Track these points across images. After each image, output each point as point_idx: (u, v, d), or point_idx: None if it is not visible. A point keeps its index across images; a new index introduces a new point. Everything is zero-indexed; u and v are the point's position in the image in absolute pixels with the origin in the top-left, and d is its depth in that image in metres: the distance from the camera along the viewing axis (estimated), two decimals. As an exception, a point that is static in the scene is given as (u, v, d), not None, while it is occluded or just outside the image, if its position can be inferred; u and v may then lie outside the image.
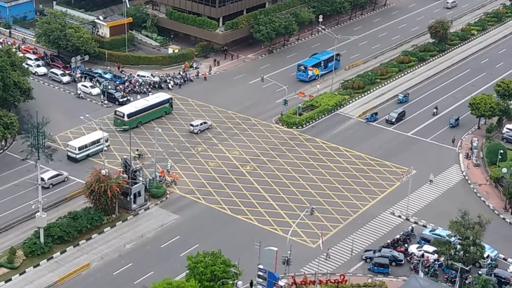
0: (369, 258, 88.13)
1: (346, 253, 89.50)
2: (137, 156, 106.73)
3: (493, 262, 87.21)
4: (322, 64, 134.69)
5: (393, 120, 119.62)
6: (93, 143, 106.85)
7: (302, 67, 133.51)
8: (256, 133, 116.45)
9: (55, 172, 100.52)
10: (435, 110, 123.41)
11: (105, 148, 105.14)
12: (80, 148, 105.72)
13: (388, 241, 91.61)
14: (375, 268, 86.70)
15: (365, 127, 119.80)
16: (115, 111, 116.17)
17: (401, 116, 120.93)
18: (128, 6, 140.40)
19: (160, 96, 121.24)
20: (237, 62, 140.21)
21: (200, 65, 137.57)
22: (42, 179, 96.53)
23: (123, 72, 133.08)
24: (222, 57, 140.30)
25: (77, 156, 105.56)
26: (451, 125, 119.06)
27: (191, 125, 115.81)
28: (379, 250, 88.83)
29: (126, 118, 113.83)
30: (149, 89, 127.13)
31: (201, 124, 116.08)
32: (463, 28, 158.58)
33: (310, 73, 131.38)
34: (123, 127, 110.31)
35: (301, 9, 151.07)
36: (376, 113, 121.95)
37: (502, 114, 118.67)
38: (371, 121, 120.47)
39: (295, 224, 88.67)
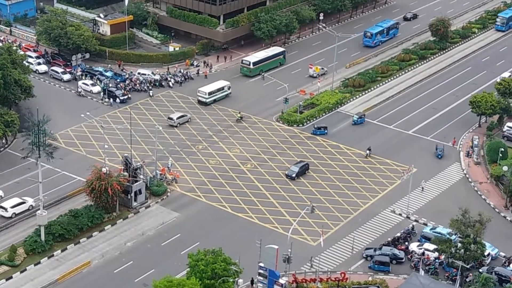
0: (370, 256, 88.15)
1: (347, 251, 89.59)
2: (239, 118, 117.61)
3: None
4: (385, 32, 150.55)
5: (293, 175, 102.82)
6: (219, 89, 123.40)
7: (368, 34, 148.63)
8: (257, 131, 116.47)
9: (181, 114, 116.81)
10: (368, 151, 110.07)
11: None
12: (209, 93, 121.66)
13: (389, 239, 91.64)
14: (376, 266, 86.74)
15: (365, 125, 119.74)
16: (242, 60, 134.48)
17: (303, 170, 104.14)
18: (128, 4, 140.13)
19: (276, 49, 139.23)
20: (237, 61, 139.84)
21: (201, 63, 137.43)
22: (171, 118, 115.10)
23: (123, 70, 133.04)
24: (215, 59, 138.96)
25: (207, 100, 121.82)
26: (439, 156, 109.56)
27: (310, 69, 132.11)
28: (380, 248, 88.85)
29: (251, 66, 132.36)
30: (150, 87, 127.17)
31: (321, 69, 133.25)
32: (464, 26, 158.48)
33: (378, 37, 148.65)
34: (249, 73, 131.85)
35: (301, 7, 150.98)
36: (325, 127, 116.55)
37: (503, 112, 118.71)
38: (318, 134, 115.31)
39: (296, 222, 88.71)
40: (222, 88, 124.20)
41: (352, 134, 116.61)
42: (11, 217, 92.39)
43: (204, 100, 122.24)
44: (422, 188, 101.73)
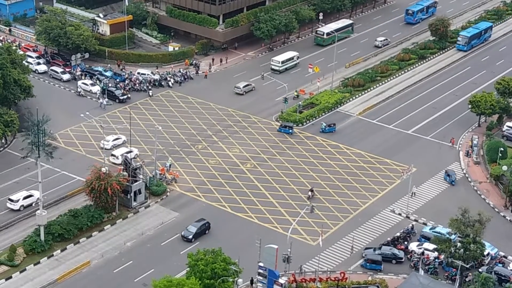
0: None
1: (347, 251, 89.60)
2: (296, 96, 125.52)
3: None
4: (424, 9, 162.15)
5: (190, 236, 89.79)
6: (289, 59, 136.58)
7: (410, 11, 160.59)
8: (257, 131, 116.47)
9: (247, 83, 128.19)
10: (310, 193, 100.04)
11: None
12: (282, 62, 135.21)
13: (388, 239, 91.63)
14: (368, 264, 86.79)
15: (365, 124, 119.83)
16: (316, 30, 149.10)
17: (203, 230, 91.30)
18: (127, 3, 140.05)
19: (345, 21, 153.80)
20: (233, 62, 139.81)
21: (200, 63, 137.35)
22: (238, 87, 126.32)
23: (123, 70, 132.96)
24: (210, 60, 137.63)
25: (280, 69, 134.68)
26: (453, 183, 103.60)
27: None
28: (379, 248, 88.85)
29: (325, 36, 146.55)
30: (149, 87, 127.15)
31: (385, 39, 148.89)
32: (463, 25, 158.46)
33: (418, 15, 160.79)
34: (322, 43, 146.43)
35: (301, 6, 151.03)
36: (291, 126, 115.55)
37: (503, 112, 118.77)
38: (285, 132, 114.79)
39: (295, 222, 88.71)
40: (292, 58, 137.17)
41: (352, 134, 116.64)
42: (120, 164, 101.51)
43: (277, 68, 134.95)
44: (413, 193, 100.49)
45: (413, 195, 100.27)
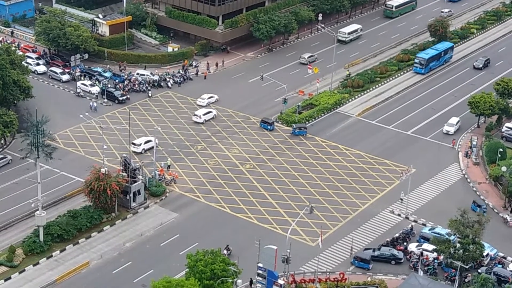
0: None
1: (346, 251, 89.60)
2: (348, 75, 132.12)
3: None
4: None
5: None
6: (354, 31, 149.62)
7: None
8: (256, 131, 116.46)
9: (310, 54, 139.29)
10: (226, 251, 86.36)
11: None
12: (349, 33, 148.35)
13: (388, 239, 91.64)
14: (356, 262, 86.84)
15: (364, 125, 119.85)
16: (386, 4, 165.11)
17: None
18: (125, 4, 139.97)
19: None
20: (237, 60, 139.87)
21: (200, 64, 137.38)
22: (303, 57, 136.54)
23: (122, 70, 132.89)
24: (205, 64, 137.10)
25: (346, 39, 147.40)
26: (484, 213, 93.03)
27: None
28: (379, 249, 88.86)
29: (394, 9, 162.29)
30: (149, 88, 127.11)
31: (449, 11, 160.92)
32: (462, 26, 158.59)
33: None
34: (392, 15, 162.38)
35: (300, 7, 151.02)
36: (270, 123, 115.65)
37: (502, 112, 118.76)
38: (264, 128, 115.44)
39: (295, 222, 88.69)
40: (356, 30, 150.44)
41: (351, 135, 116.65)
42: (201, 122, 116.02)
43: (344, 39, 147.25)
44: (401, 200, 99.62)
45: (401, 201, 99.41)
